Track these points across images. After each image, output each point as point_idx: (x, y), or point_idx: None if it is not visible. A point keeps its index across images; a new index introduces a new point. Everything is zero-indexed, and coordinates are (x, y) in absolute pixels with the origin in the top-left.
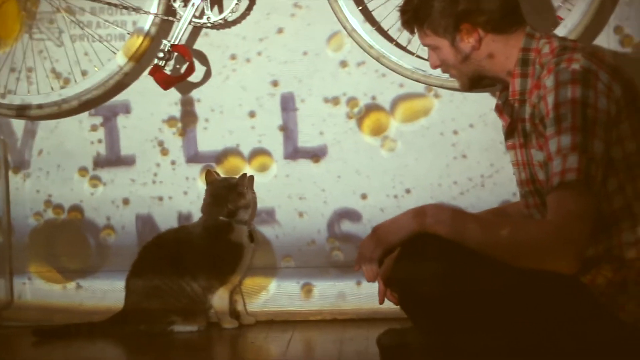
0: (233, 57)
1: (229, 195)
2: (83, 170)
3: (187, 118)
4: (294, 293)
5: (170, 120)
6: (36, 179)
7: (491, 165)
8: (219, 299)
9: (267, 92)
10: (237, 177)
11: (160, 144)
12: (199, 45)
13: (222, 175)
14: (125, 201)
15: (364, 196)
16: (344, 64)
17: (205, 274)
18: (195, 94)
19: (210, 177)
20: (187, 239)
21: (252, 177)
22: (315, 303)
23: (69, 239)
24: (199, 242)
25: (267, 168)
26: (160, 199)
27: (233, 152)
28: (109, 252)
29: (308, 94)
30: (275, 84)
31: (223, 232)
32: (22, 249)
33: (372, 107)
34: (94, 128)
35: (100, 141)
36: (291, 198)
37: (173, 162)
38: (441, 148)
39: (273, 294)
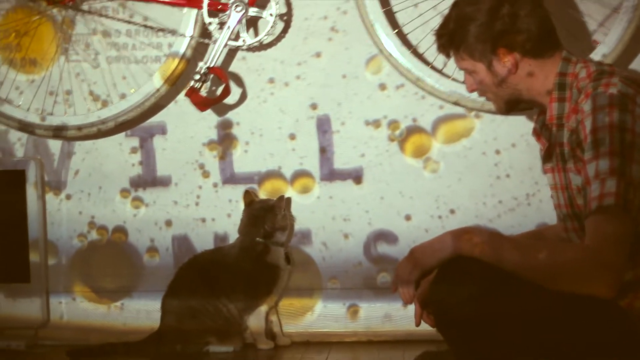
0: (271, 80)
1: (266, 217)
2: (125, 192)
3: (227, 141)
4: (340, 314)
5: (211, 144)
6: (78, 201)
7: (536, 183)
8: (255, 319)
9: (306, 115)
10: (275, 199)
11: (202, 167)
12: (237, 69)
13: (261, 197)
14: (168, 223)
15: (407, 217)
16: (382, 86)
17: (241, 295)
18: (234, 117)
19: (249, 198)
20: (223, 260)
21: (289, 199)
22: (351, 325)
23: (113, 260)
24: (235, 263)
25: (309, 190)
26: (203, 220)
27: (275, 174)
28: (152, 273)
29: (349, 116)
30: (314, 107)
31: (260, 253)
32: (66, 269)
33: (414, 129)
34: (134, 150)
35: (141, 163)
36: (335, 219)
37: (215, 185)
38: (484, 168)
39: (318, 315)
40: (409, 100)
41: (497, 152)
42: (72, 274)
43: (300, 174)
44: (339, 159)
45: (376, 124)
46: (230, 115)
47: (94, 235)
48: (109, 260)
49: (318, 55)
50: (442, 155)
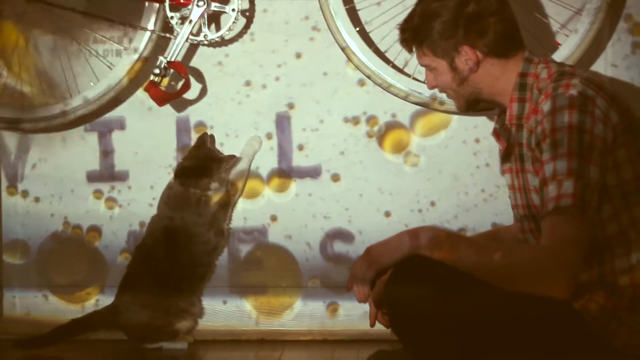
0: (248, 82)
1: (212, 167)
2: (98, 193)
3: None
4: (319, 313)
5: (185, 148)
6: (48, 204)
7: None
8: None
9: (283, 113)
10: (226, 155)
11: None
12: (212, 72)
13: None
14: (142, 225)
15: (387, 213)
16: (362, 82)
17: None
18: (208, 120)
19: (202, 140)
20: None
21: (239, 158)
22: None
23: (85, 259)
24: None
25: (286, 188)
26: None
27: (252, 174)
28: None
29: (327, 114)
30: (291, 106)
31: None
32: (35, 267)
33: (392, 125)
34: (105, 154)
35: (113, 167)
36: (316, 217)
37: None
38: (464, 158)
39: (297, 313)
40: (386, 96)
41: (477, 141)
42: (44, 272)
43: (276, 173)
44: (316, 157)
45: (355, 120)
46: (204, 118)
47: (68, 234)
48: (81, 259)
49: (298, 55)
50: (422, 149)
